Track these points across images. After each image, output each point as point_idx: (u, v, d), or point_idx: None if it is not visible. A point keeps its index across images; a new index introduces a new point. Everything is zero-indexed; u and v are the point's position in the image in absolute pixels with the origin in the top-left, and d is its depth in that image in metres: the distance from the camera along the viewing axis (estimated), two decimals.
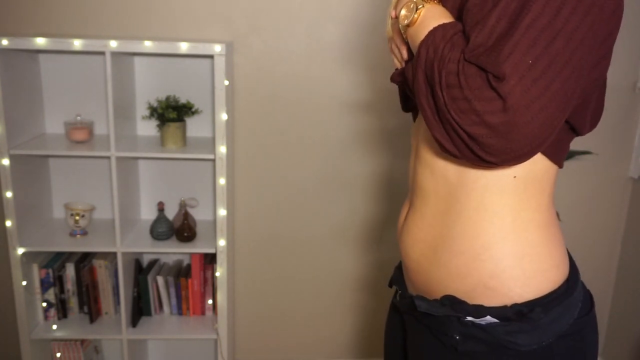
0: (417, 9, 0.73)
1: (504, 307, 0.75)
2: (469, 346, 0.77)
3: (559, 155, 0.76)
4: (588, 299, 0.82)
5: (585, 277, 2.21)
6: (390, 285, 1.01)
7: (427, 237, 0.81)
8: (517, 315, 0.74)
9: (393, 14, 0.80)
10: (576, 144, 2.05)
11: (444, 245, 0.79)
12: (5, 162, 1.69)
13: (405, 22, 0.74)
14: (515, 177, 0.74)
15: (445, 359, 0.81)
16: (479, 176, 0.75)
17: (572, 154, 1.87)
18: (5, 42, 1.61)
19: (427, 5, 0.73)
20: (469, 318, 0.76)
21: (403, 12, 0.75)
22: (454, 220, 0.78)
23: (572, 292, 0.77)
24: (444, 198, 0.79)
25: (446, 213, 0.79)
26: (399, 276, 0.96)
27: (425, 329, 0.84)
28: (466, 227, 0.76)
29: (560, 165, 0.78)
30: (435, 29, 0.69)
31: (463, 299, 0.77)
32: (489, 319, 0.75)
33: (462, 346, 0.77)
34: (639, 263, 2.11)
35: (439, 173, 0.79)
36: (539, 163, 0.74)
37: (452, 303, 0.78)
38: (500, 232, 0.75)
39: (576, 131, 0.76)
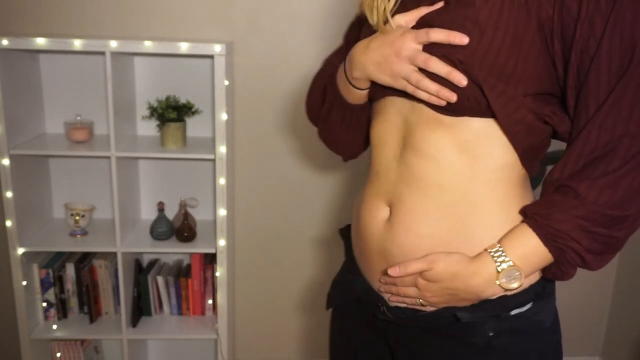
0: (505, 268, 0.74)
1: (525, 291, 0.78)
2: (503, 339, 0.78)
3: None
4: None
5: (585, 277, 2.22)
6: (333, 306, 0.98)
7: (437, 231, 0.79)
8: (536, 295, 0.79)
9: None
10: None
11: (461, 238, 0.78)
12: (5, 162, 1.69)
13: (514, 285, 0.75)
14: (523, 169, 0.80)
15: None
16: (496, 169, 0.78)
17: None
18: (5, 42, 1.61)
19: (519, 263, 0.74)
20: (515, 311, 0.78)
21: (508, 283, 0.75)
22: (468, 212, 0.78)
23: None
24: (452, 189, 0.78)
25: (456, 205, 0.78)
26: (369, 291, 0.90)
27: (438, 338, 0.82)
28: (485, 217, 0.78)
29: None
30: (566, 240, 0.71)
31: None
32: (526, 305, 0.79)
33: (497, 341, 0.78)
34: (639, 263, 2.11)
35: (447, 165, 0.78)
36: None
37: (487, 302, 0.78)
38: (518, 220, 0.78)
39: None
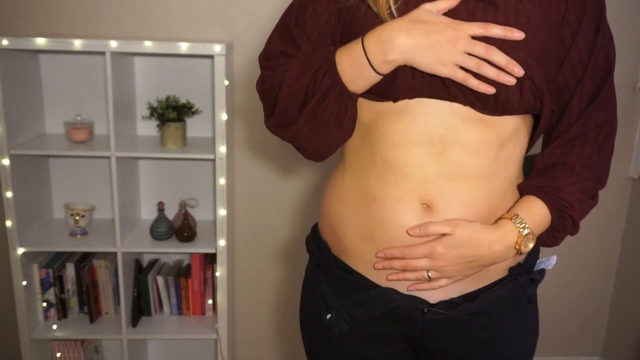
0: (526, 234, 0.82)
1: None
2: (534, 293, 0.93)
3: None
4: None
5: (585, 277, 2.22)
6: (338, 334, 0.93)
7: (484, 217, 0.84)
8: (537, 249, 0.94)
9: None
10: None
11: (500, 213, 0.86)
12: (5, 162, 1.69)
13: (529, 247, 0.83)
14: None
15: (518, 327, 0.92)
16: (522, 155, 0.88)
17: None
18: (5, 42, 1.61)
19: (535, 230, 0.83)
20: (542, 266, 0.92)
21: (525, 247, 0.83)
22: (507, 194, 0.87)
23: None
24: (497, 178, 0.85)
25: (498, 189, 0.85)
26: (406, 297, 0.87)
27: (485, 315, 0.88)
28: (516, 196, 0.88)
29: None
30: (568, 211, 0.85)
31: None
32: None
33: (533, 296, 0.93)
34: (639, 263, 2.11)
35: (493, 158, 0.83)
36: None
37: (527, 262, 0.91)
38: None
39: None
